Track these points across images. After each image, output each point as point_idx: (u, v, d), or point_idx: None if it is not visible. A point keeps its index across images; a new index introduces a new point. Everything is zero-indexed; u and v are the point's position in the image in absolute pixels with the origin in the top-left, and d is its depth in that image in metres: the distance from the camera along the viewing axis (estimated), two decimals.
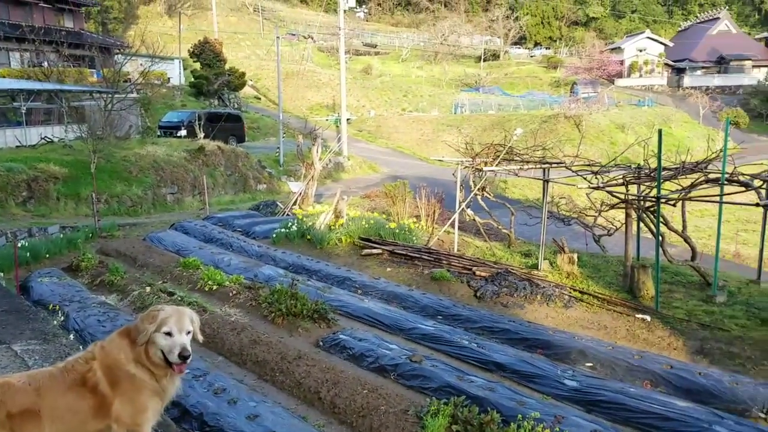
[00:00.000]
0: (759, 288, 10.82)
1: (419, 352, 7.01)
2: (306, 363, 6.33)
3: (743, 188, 9.27)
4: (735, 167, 9.60)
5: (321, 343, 7.36)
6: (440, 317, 8.76)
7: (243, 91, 44.95)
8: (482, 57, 68.84)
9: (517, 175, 14.18)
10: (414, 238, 13.54)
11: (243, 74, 43.25)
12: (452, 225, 13.79)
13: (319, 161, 17.87)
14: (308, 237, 13.61)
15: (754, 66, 62.82)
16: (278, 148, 30.41)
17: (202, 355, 6.68)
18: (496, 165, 13.68)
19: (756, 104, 52.74)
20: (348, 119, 38.99)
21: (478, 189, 14.40)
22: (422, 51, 72.97)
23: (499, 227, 15.33)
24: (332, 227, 13.81)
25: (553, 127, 41.14)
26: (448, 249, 13.32)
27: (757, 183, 9.29)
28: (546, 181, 12.10)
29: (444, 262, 11.57)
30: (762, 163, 10.80)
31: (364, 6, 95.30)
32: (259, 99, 49.47)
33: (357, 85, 53.81)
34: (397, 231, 13.52)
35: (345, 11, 34.38)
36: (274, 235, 14.00)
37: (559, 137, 35.33)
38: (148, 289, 9.06)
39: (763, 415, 5.64)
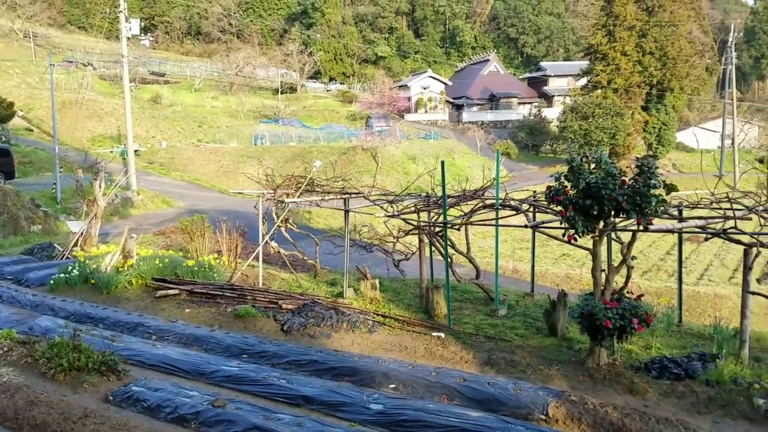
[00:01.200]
0: (533, 300, 12.21)
1: (223, 395, 6.69)
2: (94, 421, 5.79)
3: (515, 212, 10.46)
4: (507, 193, 10.80)
5: (111, 398, 6.72)
6: (245, 356, 8.46)
7: (12, 123, 40.13)
8: (280, 89, 69.49)
9: (318, 205, 14.39)
10: (215, 274, 13.00)
11: (11, 104, 38.71)
12: (256, 258, 13.51)
13: (103, 197, 16.48)
14: (93, 281, 12.40)
15: (519, 103, 72.19)
16: (55, 184, 27.50)
17: None
18: (298, 196, 13.76)
19: (523, 137, 60.34)
20: (136, 151, 36.65)
21: (282, 221, 14.34)
22: (216, 81, 71.42)
23: (305, 258, 15.38)
24: (120, 269, 12.71)
25: (352, 158, 42.82)
26: (253, 284, 13.00)
27: (525, 207, 10.51)
28: (347, 211, 12.45)
29: (249, 297, 11.25)
30: (528, 189, 12.28)
31: (150, 34, 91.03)
32: (32, 131, 44.31)
33: (145, 115, 50.76)
34: (196, 268, 12.87)
35: (128, 38, 32.37)
36: (52, 282, 12.60)
37: (358, 168, 36.85)
38: None
39: (543, 417, 6.28)
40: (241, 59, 69.45)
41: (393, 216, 11.64)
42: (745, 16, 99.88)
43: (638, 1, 54.04)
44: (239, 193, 21.25)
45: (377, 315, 10.46)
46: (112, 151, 40.30)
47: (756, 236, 7.43)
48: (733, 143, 50.63)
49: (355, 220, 16.12)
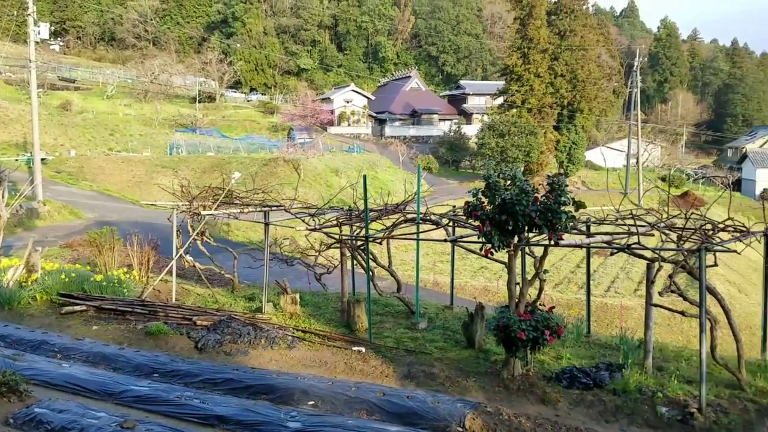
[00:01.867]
0: (452, 312, 12.43)
1: (133, 416, 6.38)
2: None
3: (435, 226, 10.64)
4: (428, 208, 10.99)
5: (12, 421, 6.34)
6: (157, 375, 8.11)
7: None
8: (197, 98, 67.67)
9: (237, 218, 14.07)
10: (125, 290, 12.42)
11: None
12: (169, 273, 13.02)
13: (7, 207, 15.38)
14: None
15: (440, 119, 73.90)
16: None
17: None
18: (216, 208, 13.40)
19: (443, 152, 61.68)
20: (43, 159, 34.67)
21: (198, 233, 13.91)
22: (130, 88, 68.63)
23: (222, 272, 14.99)
24: (24, 284, 11.94)
25: (273, 170, 42.20)
26: (166, 299, 12.51)
27: (445, 221, 10.72)
28: (267, 224, 12.24)
29: (161, 314, 10.81)
30: (448, 204, 12.55)
31: (60, 38, 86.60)
32: None
33: (54, 122, 48.07)
34: (104, 284, 12.26)
35: (37, 43, 30.65)
36: None
37: (279, 180, 36.32)
38: None
39: (461, 429, 6.36)
40: (156, 66, 67.08)
41: (315, 229, 11.55)
42: (649, 42, 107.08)
43: (551, 25, 56.72)
44: (152, 204, 20.46)
45: (297, 330, 10.32)
46: (17, 160, 37.84)
47: (658, 251, 7.89)
48: (637, 162, 53.80)
49: (275, 233, 15.87)
